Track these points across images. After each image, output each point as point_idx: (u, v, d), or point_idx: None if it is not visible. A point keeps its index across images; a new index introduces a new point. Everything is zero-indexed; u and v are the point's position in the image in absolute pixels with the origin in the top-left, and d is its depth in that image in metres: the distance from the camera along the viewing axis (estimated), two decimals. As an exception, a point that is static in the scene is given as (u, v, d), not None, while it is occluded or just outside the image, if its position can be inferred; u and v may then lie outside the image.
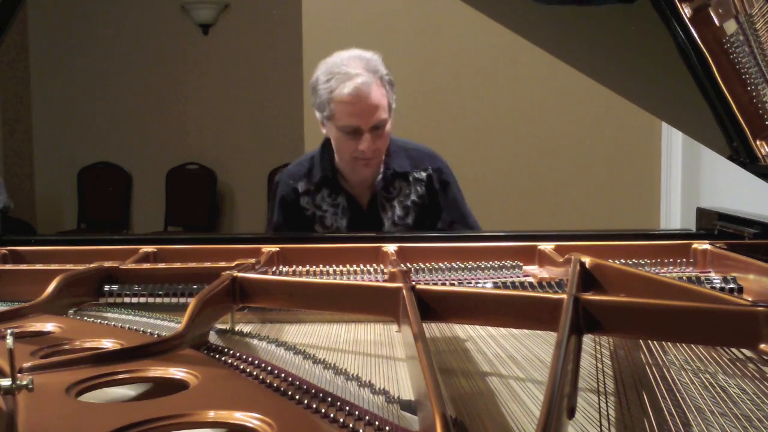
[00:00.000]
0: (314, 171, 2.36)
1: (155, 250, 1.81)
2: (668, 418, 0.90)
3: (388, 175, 2.34)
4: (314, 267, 1.74)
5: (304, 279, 1.56)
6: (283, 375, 0.98)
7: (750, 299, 1.40)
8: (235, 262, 1.54)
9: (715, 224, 1.92)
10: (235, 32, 6.78)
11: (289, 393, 0.89)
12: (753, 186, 1.81)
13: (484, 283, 1.59)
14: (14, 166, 6.81)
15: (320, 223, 2.34)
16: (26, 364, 0.93)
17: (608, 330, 1.11)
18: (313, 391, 0.91)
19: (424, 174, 2.37)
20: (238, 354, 1.08)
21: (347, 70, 2.20)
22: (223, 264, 1.58)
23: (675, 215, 4.16)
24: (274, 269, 1.73)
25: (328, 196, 2.34)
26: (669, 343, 1.20)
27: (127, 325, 1.26)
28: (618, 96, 1.89)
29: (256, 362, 1.04)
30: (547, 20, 1.76)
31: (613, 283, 1.42)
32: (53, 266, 1.62)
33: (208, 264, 1.65)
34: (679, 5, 1.37)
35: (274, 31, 6.51)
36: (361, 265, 1.70)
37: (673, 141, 4.14)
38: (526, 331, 1.29)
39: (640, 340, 1.21)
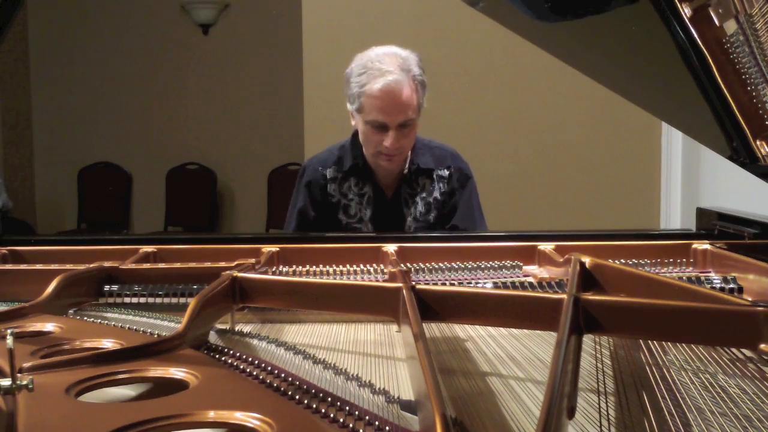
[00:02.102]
0: (344, 159, 2.40)
1: (155, 250, 1.81)
2: (668, 418, 0.90)
3: (413, 170, 2.38)
4: (314, 267, 1.74)
5: (304, 279, 1.56)
6: (283, 375, 0.98)
7: (750, 299, 1.40)
8: (235, 262, 1.54)
9: (715, 224, 1.92)
10: (235, 32, 6.77)
11: (289, 393, 0.89)
12: (753, 186, 1.81)
13: (484, 283, 1.59)
14: (14, 166, 6.81)
15: (344, 212, 2.38)
16: (26, 364, 0.93)
17: (608, 330, 1.11)
18: (313, 391, 0.91)
19: (446, 172, 2.42)
20: (238, 354, 1.08)
21: (380, 66, 2.23)
22: (223, 264, 1.58)
23: (675, 215, 4.16)
24: (274, 269, 1.73)
25: (355, 185, 2.38)
26: (669, 343, 1.20)
27: (127, 325, 1.26)
28: (618, 96, 1.89)
29: (256, 362, 1.04)
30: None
31: (613, 283, 1.42)
32: (53, 266, 1.62)
33: (208, 264, 1.65)
34: (679, 5, 1.37)
35: (274, 31, 6.50)
36: (361, 265, 1.70)
37: (673, 141, 4.14)
38: (526, 331, 1.29)
39: (640, 340, 1.21)
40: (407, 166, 2.38)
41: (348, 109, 2.35)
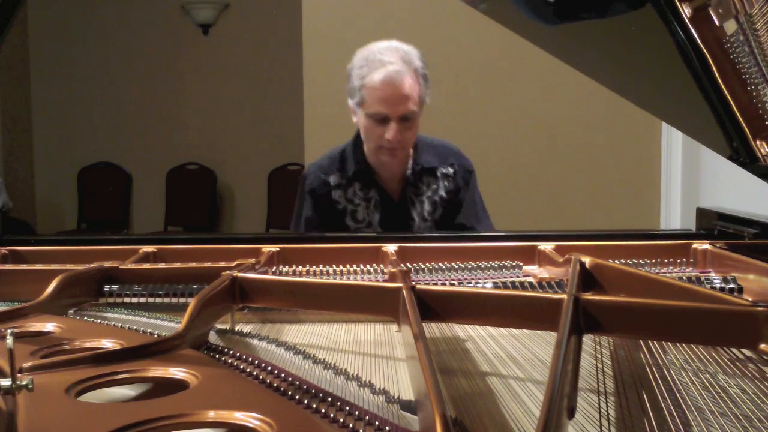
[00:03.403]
0: (347, 164, 2.37)
1: (155, 250, 1.81)
2: (668, 418, 0.90)
3: (417, 170, 2.37)
4: (314, 267, 1.74)
5: (304, 279, 1.56)
6: (283, 375, 0.98)
7: (750, 299, 1.40)
8: (235, 262, 1.54)
9: (715, 224, 1.92)
10: (235, 32, 6.78)
11: (289, 393, 0.89)
12: (753, 186, 1.81)
13: (484, 283, 1.58)
14: (14, 167, 6.81)
15: (352, 217, 2.36)
16: (26, 364, 0.93)
17: (608, 330, 1.11)
18: (313, 391, 0.91)
19: (450, 170, 2.41)
20: (238, 354, 1.08)
21: (382, 57, 2.23)
22: (223, 264, 1.58)
23: (675, 215, 4.16)
24: (274, 269, 1.73)
25: (360, 190, 2.36)
26: (669, 343, 1.20)
27: (127, 325, 1.26)
28: (618, 96, 1.89)
29: (256, 362, 1.04)
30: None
31: (613, 283, 1.42)
32: (53, 266, 1.62)
33: (208, 264, 1.65)
34: (679, 5, 1.37)
35: (274, 31, 6.51)
36: (361, 265, 1.70)
37: (673, 141, 4.14)
38: (526, 331, 1.29)
39: (640, 340, 1.21)
40: (410, 166, 2.37)
41: (349, 106, 2.34)
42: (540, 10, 1.63)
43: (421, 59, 2.28)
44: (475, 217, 2.42)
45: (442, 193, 2.39)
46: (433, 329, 1.34)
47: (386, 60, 2.22)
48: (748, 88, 1.44)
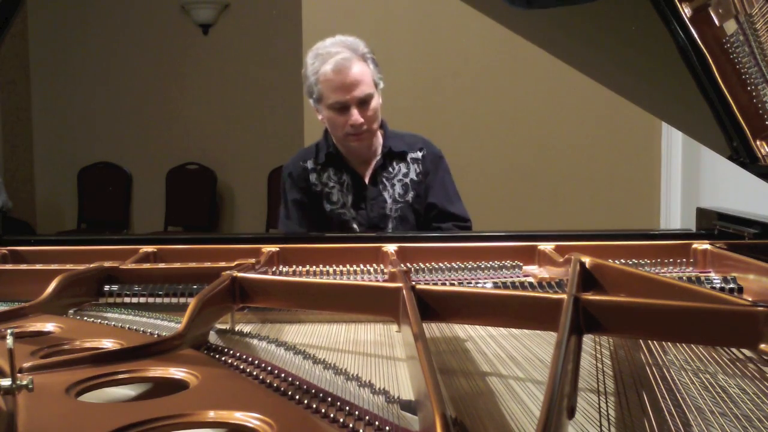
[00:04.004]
0: (320, 152, 2.50)
1: (155, 250, 1.81)
2: (668, 418, 0.90)
3: (386, 153, 2.47)
4: (314, 267, 1.74)
5: (304, 279, 1.56)
6: (283, 375, 0.98)
7: (750, 299, 1.40)
8: (235, 262, 1.55)
9: (715, 224, 1.92)
10: (235, 32, 6.77)
11: (289, 393, 0.89)
12: (753, 186, 1.81)
13: (484, 283, 1.59)
14: (14, 166, 6.81)
15: (327, 200, 2.46)
16: (26, 364, 0.93)
17: (608, 330, 1.11)
18: (313, 391, 0.91)
19: (420, 153, 2.50)
20: (238, 354, 1.08)
21: (329, 50, 2.36)
22: (223, 264, 1.58)
23: (675, 215, 4.16)
24: (274, 269, 1.73)
25: (334, 174, 2.47)
26: (669, 343, 1.20)
27: (127, 325, 1.26)
28: (618, 96, 1.89)
29: (256, 362, 1.04)
30: (546, 20, 1.75)
31: (613, 283, 1.42)
32: (53, 266, 1.62)
33: (208, 264, 1.65)
34: (679, 5, 1.37)
35: (274, 31, 6.50)
36: (361, 265, 1.70)
37: (673, 141, 4.14)
38: (526, 331, 1.29)
39: (640, 340, 1.21)
40: (380, 150, 2.46)
41: (312, 107, 2.45)
42: None
43: (367, 47, 2.41)
44: (446, 199, 2.49)
45: (413, 176, 2.48)
46: (433, 329, 1.34)
47: (333, 51, 2.35)
48: (748, 88, 1.44)
